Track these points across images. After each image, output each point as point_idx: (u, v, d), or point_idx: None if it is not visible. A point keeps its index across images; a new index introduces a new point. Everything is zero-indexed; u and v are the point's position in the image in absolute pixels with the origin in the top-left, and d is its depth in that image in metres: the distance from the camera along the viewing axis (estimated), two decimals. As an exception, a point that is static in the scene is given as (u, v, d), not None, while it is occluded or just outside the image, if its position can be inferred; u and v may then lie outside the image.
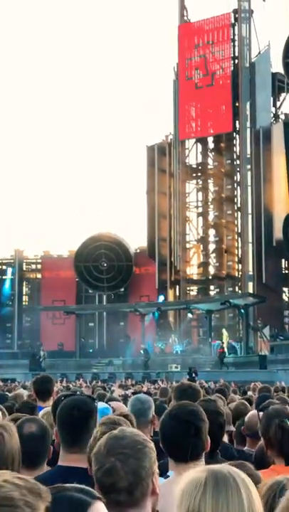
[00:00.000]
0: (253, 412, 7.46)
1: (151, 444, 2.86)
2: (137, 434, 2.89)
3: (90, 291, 55.18)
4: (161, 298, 51.25)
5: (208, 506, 2.00)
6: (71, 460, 3.99)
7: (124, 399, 11.19)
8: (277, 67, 50.72)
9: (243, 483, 2.05)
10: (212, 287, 53.58)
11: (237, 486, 2.03)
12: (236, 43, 51.45)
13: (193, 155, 54.10)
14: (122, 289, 55.01)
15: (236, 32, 51.51)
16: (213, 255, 52.82)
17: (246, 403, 8.88)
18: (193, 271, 53.81)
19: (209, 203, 53.38)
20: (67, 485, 2.10)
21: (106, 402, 6.99)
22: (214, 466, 2.11)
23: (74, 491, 2.05)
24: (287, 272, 49.32)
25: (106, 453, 2.79)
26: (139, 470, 2.74)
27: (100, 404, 5.74)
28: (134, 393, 8.54)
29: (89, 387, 19.81)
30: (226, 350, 43.55)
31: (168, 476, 3.87)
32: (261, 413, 4.96)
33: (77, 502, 2.01)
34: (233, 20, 51.74)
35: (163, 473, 3.67)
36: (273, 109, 52.52)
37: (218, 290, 52.57)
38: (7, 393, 12.49)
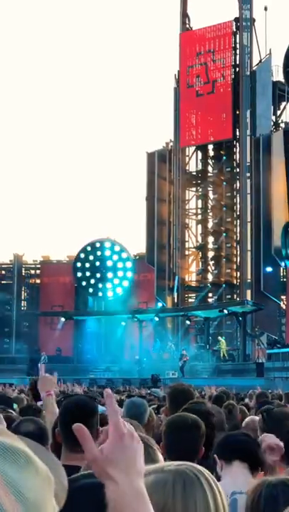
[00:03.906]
0: (251, 417, 7.53)
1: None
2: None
3: (89, 296, 55.13)
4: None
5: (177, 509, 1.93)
6: (74, 459, 3.94)
7: (120, 404, 11.20)
8: (278, 75, 50.86)
9: (206, 480, 1.99)
10: (210, 294, 53.58)
11: (201, 484, 1.97)
12: (237, 51, 51.50)
13: (193, 162, 54.19)
14: (121, 295, 54.97)
15: (238, 40, 51.57)
16: (212, 262, 52.84)
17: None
18: (192, 278, 53.83)
19: (209, 211, 53.41)
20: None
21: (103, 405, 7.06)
22: (177, 466, 2.01)
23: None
24: (285, 280, 49.31)
25: None
26: None
27: (100, 408, 5.81)
28: (128, 396, 8.51)
29: (86, 391, 19.84)
30: (225, 356, 43.84)
31: None
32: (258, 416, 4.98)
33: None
34: (234, 29, 51.82)
35: None
36: (274, 118, 52.56)
37: (216, 297, 52.56)
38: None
